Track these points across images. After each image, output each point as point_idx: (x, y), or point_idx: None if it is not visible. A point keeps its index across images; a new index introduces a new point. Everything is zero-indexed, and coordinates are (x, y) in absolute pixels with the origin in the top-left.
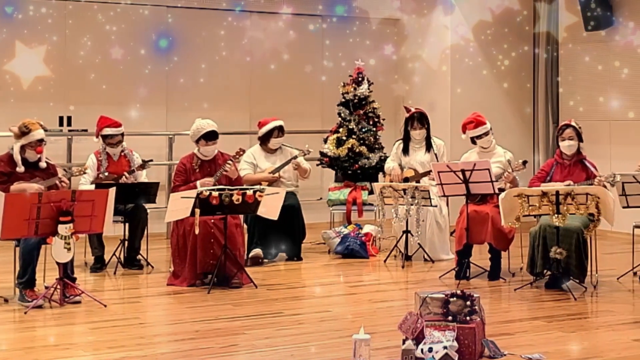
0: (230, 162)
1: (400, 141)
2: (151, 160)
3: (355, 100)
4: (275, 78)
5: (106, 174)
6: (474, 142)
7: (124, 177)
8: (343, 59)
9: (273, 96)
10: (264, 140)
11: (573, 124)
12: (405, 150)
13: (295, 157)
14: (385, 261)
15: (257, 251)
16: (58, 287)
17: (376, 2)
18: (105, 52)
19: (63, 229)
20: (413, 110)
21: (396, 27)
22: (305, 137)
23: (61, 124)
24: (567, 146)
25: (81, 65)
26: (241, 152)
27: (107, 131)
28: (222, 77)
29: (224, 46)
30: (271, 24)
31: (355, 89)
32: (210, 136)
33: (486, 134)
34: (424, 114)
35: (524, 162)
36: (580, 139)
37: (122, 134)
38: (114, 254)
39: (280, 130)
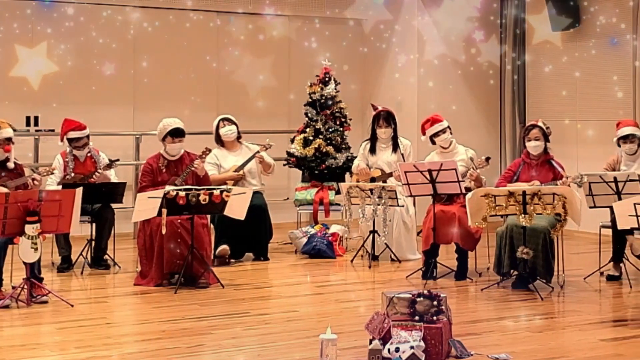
0: (197, 160)
1: (368, 141)
2: (118, 160)
3: (322, 100)
4: (242, 78)
5: (72, 174)
6: (433, 142)
7: (94, 175)
8: (310, 59)
9: (240, 96)
10: (218, 139)
11: (540, 124)
12: (372, 150)
13: (258, 152)
14: (352, 261)
15: (224, 247)
16: (25, 287)
17: (343, 2)
18: (72, 53)
19: (30, 229)
20: (380, 108)
21: (363, 27)
22: (271, 137)
23: (28, 124)
24: (533, 146)
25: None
26: (207, 152)
27: (72, 134)
28: (189, 77)
29: (191, 46)
30: (237, 24)
31: (322, 89)
32: (177, 133)
33: (443, 131)
34: (391, 113)
35: (487, 159)
36: (546, 139)
37: (88, 136)
38: (81, 254)
39: (226, 120)
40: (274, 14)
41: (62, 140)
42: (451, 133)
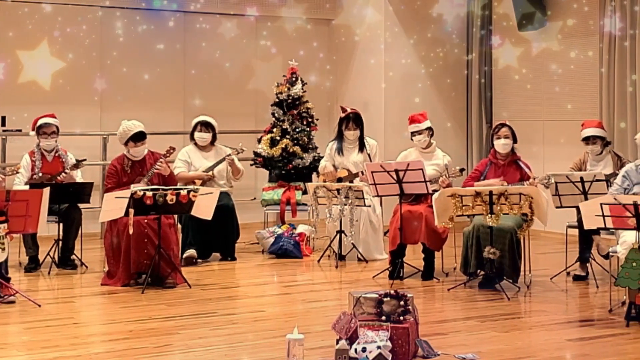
0: (161, 160)
1: (334, 141)
2: (85, 160)
3: (289, 101)
4: (209, 78)
5: (40, 174)
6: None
7: (61, 175)
8: (277, 59)
9: (207, 96)
10: (193, 138)
11: (508, 123)
12: (340, 151)
13: (229, 155)
14: (319, 261)
15: (191, 252)
16: None
17: (310, 2)
18: (39, 52)
19: None
20: (349, 110)
21: (330, 27)
22: (239, 137)
23: None
24: (501, 145)
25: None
26: (171, 150)
27: (42, 120)
28: (156, 76)
29: (158, 46)
30: (205, 23)
31: (289, 89)
32: (138, 137)
33: (419, 132)
34: (359, 115)
35: (461, 170)
36: (514, 139)
37: (57, 127)
38: (48, 254)
39: (204, 125)
40: (241, 14)
41: (33, 129)
42: (431, 135)
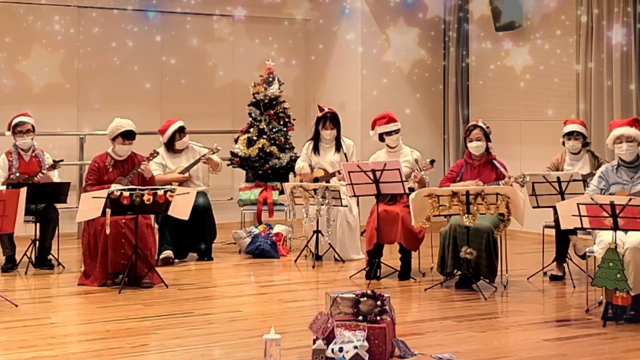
0: (144, 162)
1: (311, 141)
2: (62, 161)
3: (266, 101)
4: (186, 78)
5: (17, 174)
6: (381, 140)
7: (39, 175)
8: (254, 59)
9: (184, 96)
10: (170, 144)
11: (480, 124)
12: (316, 150)
13: (204, 156)
14: (295, 261)
15: (167, 253)
16: None
17: (287, 3)
18: (14, 52)
19: None
20: (326, 110)
21: (307, 28)
22: (215, 137)
23: None
24: (474, 147)
25: None
26: (155, 154)
27: (17, 119)
28: (133, 77)
29: (135, 46)
30: (183, 23)
31: (265, 89)
32: (128, 135)
33: (396, 132)
34: (337, 114)
35: (432, 162)
36: (488, 139)
37: (33, 126)
38: (25, 254)
39: (181, 132)
40: (219, 14)
41: (9, 129)
42: (401, 134)
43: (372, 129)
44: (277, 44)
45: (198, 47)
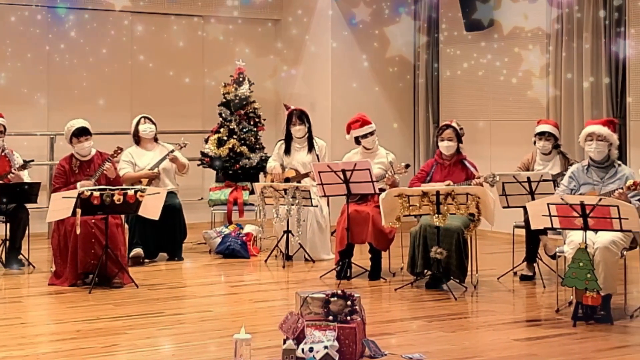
0: (108, 160)
1: (282, 141)
2: (32, 161)
3: (236, 101)
4: (156, 78)
5: None
6: (357, 142)
7: (9, 175)
8: (224, 59)
9: (154, 96)
10: (136, 136)
11: (454, 124)
12: (287, 151)
13: (172, 151)
14: (266, 261)
15: (137, 250)
16: None
17: (258, 3)
18: None
19: None
20: (292, 107)
21: (277, 28)
22: (186, 137)
23: None
24: (445, 146)
25: None
26: (119, 151)
27: None
28: (104, 76)
29: (106, 45)
30: (152, 23)
31: (236, 89)
32: (81, 132)
33: (371, 133)
34: (304, 111)
35: (407, 166)
36: (459, 140)
37: (4, 127)
38: None
39: (145, 118)
40: (188, 14)
41: None
42: (376, 136)
43: (348, 132)
44: (248, 44)
45: (168, 47)
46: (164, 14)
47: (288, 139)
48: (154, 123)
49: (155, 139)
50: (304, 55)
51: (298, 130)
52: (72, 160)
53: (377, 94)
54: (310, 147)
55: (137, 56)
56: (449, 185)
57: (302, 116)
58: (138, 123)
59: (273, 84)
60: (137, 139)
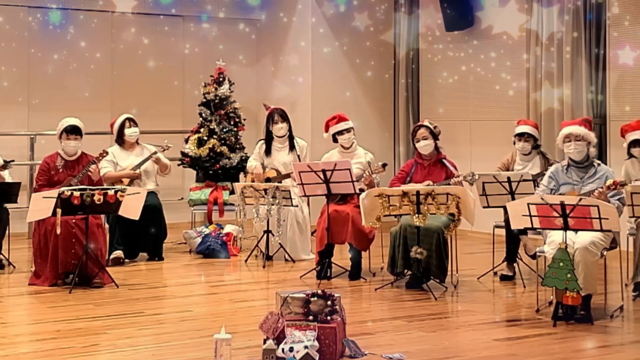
0: (93, 162)
1: (263, 141)
2: (13, 161)
3: (217, 101)
4: (137, 78)
5: None
6: (335, 140)
7: None
8: (204, 59)
9: (134, 96)
10: (120, 138)
11: (426, 123)
12: (268, 151)
13: (155, 153)
14: (246, 261)
15: (118, 253)
16: None
17: (238, 3)
18: None
19: None
20: (272, 107)
21: (257, 28)
22: (166, 137)
23: None
24: (422, 146)
25: None
26: (104, 154)
27: None
28: (84, 77)
29: (86, 46)
30: (132, 23)
31: (216, 89)
32: (72, 130)
33: (348, 130)
34: (284, 110)
35: (384, 165)
36: (435, 138)
37: None
38: None
39: (130, 121)
40: (169, 14)
41: None
42: (354, 134)
43: (326, 131)
44: (228, 44)
45: (148, 47)
46: (145, 14)
47: (268, 139)
48: (137, 125)
49: (137, 141)
50: (285, 54)
51: (280, 128)
52: (58, 159)
53: (358, 94)
54: (292, 147)
55: (117, 56)
56: (428, 185)
57: (283, 114)
58: (123, 126)
59: (253, 84)
60: (121, 141)
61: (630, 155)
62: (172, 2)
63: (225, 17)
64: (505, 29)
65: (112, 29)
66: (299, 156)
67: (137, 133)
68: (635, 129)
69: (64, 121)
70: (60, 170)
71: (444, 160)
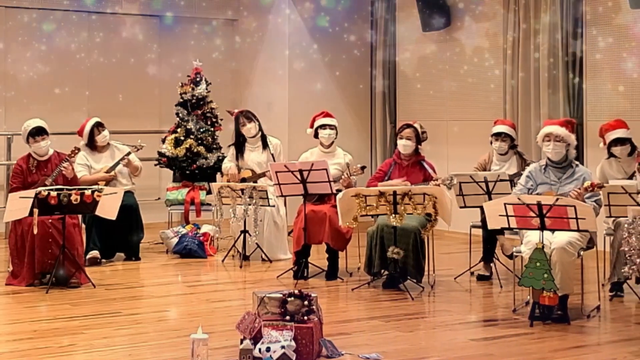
0: (66, 160)
1: (232, 146)
2: None
3: (194, 101)
4: (113, 78)
5: None
6: (316, 136)
7: None
8: (181, 58)
9: (110, 96)
10: (91, 142)
11: (416, 125)
12: (241, 154)
13: (129, 154)
14: (223, 261)
15: (94, 253)
16: None
17: (215, 2)
18: None
19: None
20: (236, 111)
21: (234, 28)
22: (143, 137)
23: None
24: (402, 145)
25: None
26: (76, 151)
27: None
28: (60, 76)
29: (62, 45)
30: (109, 22)
31: (193, 89)
32: (37, 132)
33: (331, 127)
34: (249, 111)
35: (363, 167)
36: (418, 142)
37: None
38: None
39: (99, 126)
40: (145, 14)
41: None
42: (336, 135)
43: (311, 126)
44: (205, 44)
45: (125, 46)
46: (121, 14)
47: (238, 142)
48: (105, 127)
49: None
50: (262, 54)
51: (249, 129)
52: (30, 160)
53: (334, 94)
54: (264, 146)
55: (94, 55)
56: (405, 182)
57: (248, 115)
58: (92, 132)
59: (230, 83)
60: (93, 146)
61: (610, 155)
62: (148, 1)
63: (203, 17)
64: (483, 30)
65: (88, 28)
66: (272, 155)
67: (108, 136)
68: (615, 127)
69: (26, 125)
70: (34, 171)
71: (422, 162)
